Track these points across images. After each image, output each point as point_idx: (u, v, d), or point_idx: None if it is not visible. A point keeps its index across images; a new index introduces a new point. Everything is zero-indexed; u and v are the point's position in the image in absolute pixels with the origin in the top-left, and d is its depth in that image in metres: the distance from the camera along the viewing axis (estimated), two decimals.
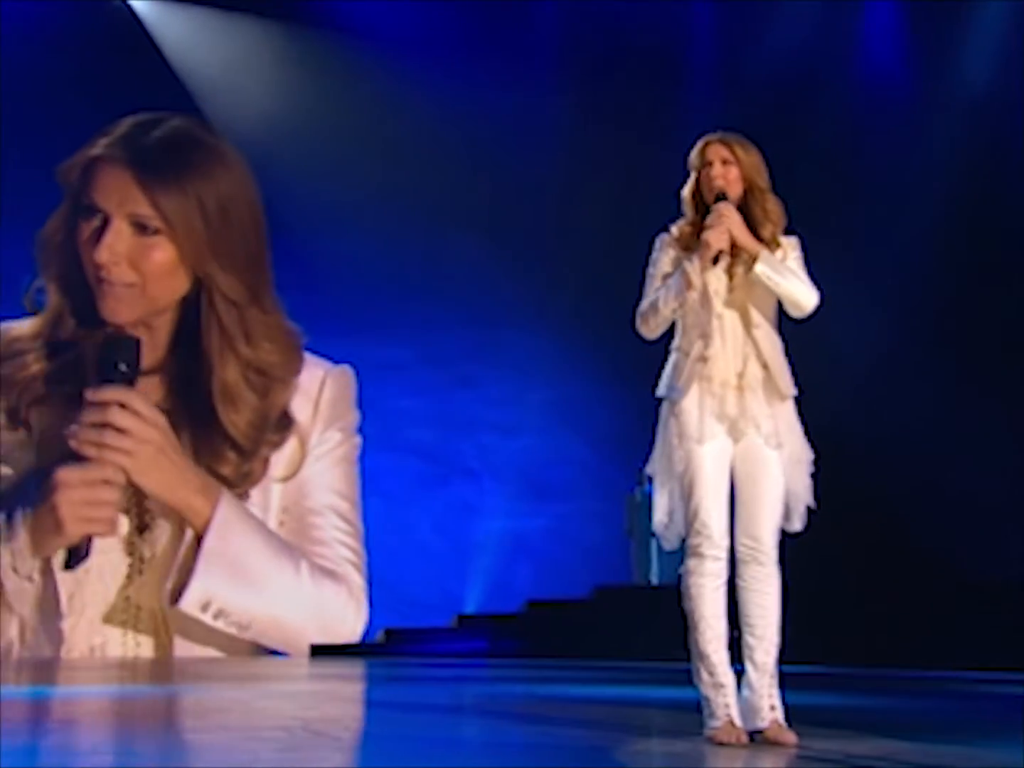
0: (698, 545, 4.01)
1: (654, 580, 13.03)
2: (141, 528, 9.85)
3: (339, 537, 10.98)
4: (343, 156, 13.89)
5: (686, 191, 4.28)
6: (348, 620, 11.34)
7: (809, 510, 4.16)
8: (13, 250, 9.48)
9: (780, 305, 4.18)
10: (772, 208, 4.18)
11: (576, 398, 14.59)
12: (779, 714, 4.01)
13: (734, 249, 4.10)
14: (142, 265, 9.35)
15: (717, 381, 4.05)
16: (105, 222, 8.94)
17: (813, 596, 11.21)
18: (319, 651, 9.09)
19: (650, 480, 4.27)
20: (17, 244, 9.49)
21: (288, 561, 10.27)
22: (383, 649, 11.93)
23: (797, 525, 4.17)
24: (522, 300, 14.33)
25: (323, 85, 14.35)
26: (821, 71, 14.45)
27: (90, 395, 8.15)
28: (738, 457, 4.08)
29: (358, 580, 11.39)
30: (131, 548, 9.79)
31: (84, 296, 9.53)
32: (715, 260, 4.05)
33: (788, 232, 4.26)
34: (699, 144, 4.23)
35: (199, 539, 8.86)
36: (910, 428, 12.98)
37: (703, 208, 4.19)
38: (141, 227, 9.38)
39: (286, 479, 9.85)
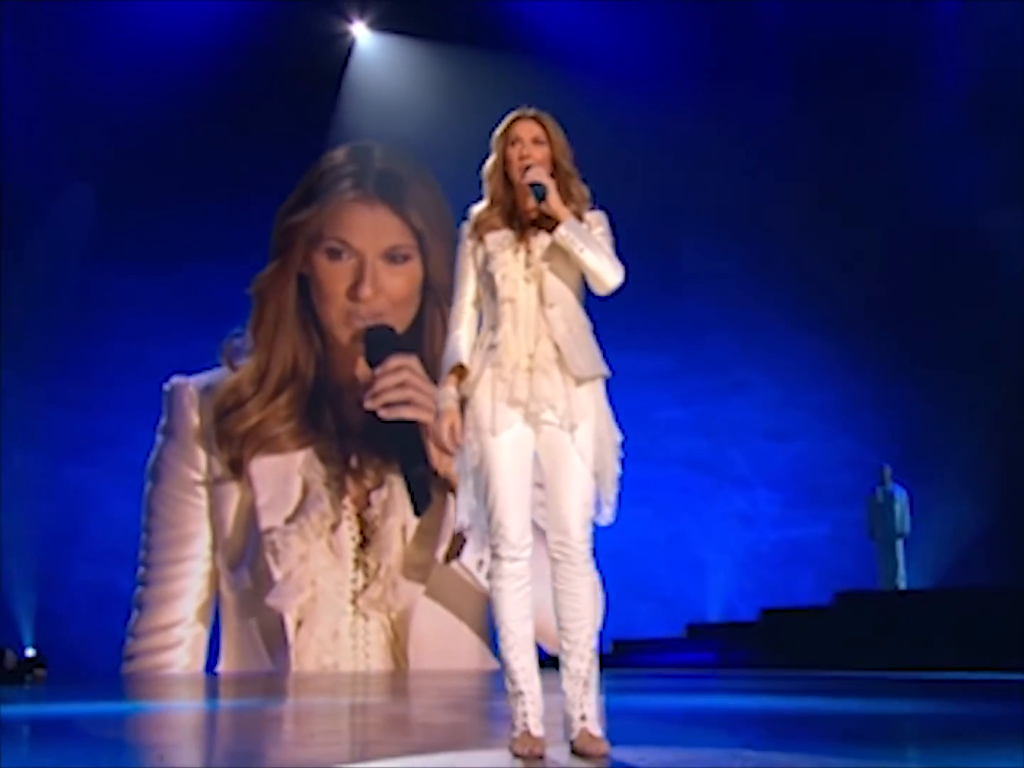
0: (496, 546, 3.75)
1: (901, 585, 12.32)
2: (365, 543, 10.69)
3: None
4: None
5: (488, 167, 3.98)
6: (598, 614, 11.64)
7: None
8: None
9: (586, 287, 3.90)
10: (576, 191, 3.93)
11: (853, 398, 14.12)
12: (590, 724, 3.72)
13: (537, 224, 3.89)
14: (393, 293, 10.39)
15: (508, 366, 3.79)
16: (359, 261, 10.16)
17: None
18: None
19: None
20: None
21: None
22: (611, 660, 11.96)
23: (607, 515, 3.84)
24: (788, 299, 14.09)
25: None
26: None
27: (379, 370, 9.33)
28: (541, 449, 3.81)
29: (596, 574, 11.63)
30: (357, 563, 10.66)
31: (307, 341, 10.58)
32: (540, 197, 3.79)
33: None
34: (507, 119, 3.96)
35: None
36: None
37: (505, 186, 3.93)
38: (391, 258, 10.42)
39: None
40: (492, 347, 3.83)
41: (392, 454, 10.65)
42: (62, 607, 13.27)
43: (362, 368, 10.74)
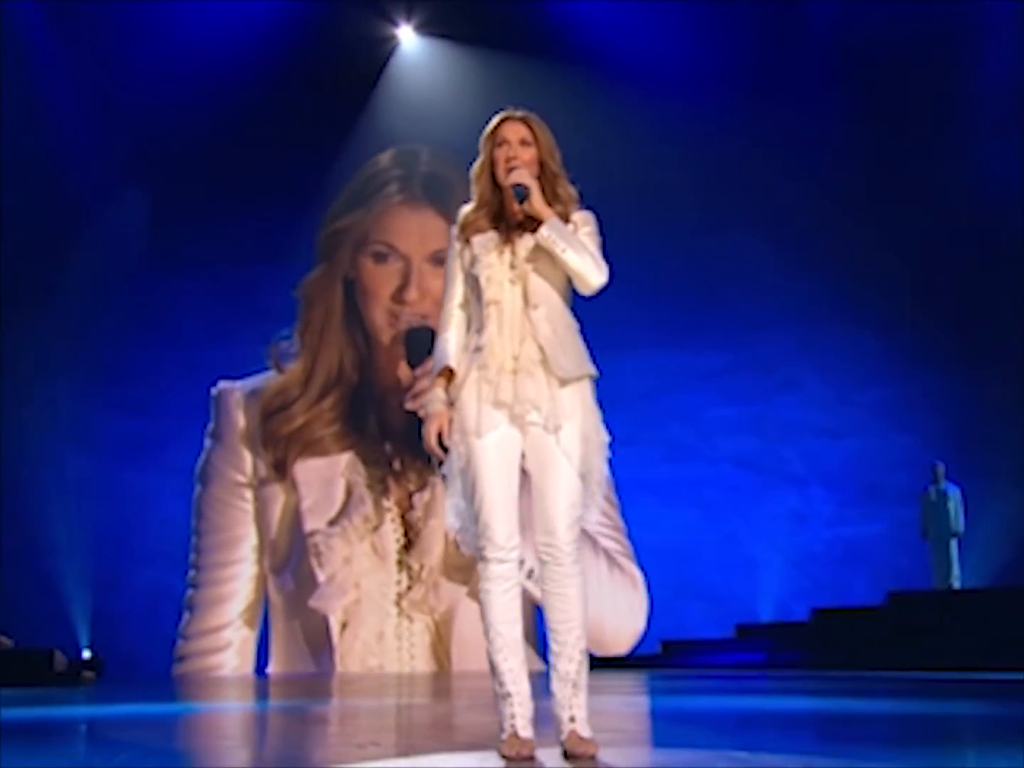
0: (482, 548, 3.74)
1: (955, 584, 12.06)
2: (408, 545, 10.71)
3: (602, 531, 11.28)
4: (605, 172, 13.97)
5: (475, 169, 3.97)
6: (636, 612, 11.51)
7: None
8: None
9: (572, 287, 3.87)
10: (563, 191, 3.90)
11: (907, 396, 13.88)
12: (579, 725, 3.70)
13: (523, 226, 3.87)
14: (439, 296, 10.44)
15: (493, 368, 3.79)
16: (406, 264, 10.19)
17: None
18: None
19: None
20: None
21: (586, 537, 10.74)
22: (661, 660, 11.86)
23: (594, 515, 3.78)
24: (841, 297, 13.92)
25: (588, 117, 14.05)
26: None
27: (419, 371, 9.36)
28: (528, 450, 3.80)
29: (638, 572, 11.53)
30: (400, 565, 10.69)
31: (352, 344, 10.62)
32: (522, 198, 3.78)
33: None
34: (495, 120, 3.94)
35: None
36: None
37: (492, 188, 3.92)
38: (438, 261, 10.46)
39: None
40: (478, 349, 3.82)
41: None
42: (118, 608, 13.42)
43: (404, 371, 10.80)
